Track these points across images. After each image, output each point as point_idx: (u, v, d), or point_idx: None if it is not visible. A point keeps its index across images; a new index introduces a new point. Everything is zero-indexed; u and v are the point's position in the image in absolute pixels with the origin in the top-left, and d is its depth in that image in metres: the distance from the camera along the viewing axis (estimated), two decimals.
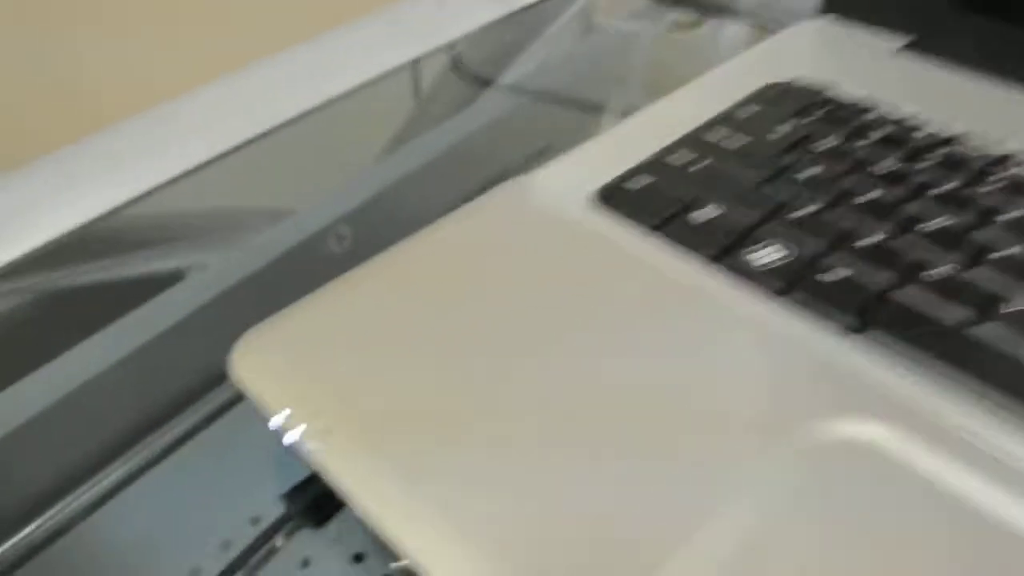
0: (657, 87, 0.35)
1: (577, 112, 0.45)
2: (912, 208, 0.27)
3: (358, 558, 0.27)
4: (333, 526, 0.28)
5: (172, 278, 0.36)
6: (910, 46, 0.37)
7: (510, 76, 0.48)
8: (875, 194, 0.28)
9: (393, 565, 0.23)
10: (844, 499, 0.19)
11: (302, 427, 0.21)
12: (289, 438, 0.21)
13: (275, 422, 0.21)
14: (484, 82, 0.48)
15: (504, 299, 0.24)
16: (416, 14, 0.53)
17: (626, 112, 0.34)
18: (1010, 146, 0.30)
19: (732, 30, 0.51)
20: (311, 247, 0.37)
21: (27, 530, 0.29)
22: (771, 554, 0.18)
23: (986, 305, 0.23)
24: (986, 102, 0.33)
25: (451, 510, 0.19)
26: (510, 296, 0.24)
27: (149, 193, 0.37)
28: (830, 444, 0.20)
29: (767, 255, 0.25)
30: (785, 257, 0.25)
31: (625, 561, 0.18)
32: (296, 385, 0.22)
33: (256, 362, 0.23)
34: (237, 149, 0.42)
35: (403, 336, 0.23)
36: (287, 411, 0.21)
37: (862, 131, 0.31)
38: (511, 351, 0.23)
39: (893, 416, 0.21)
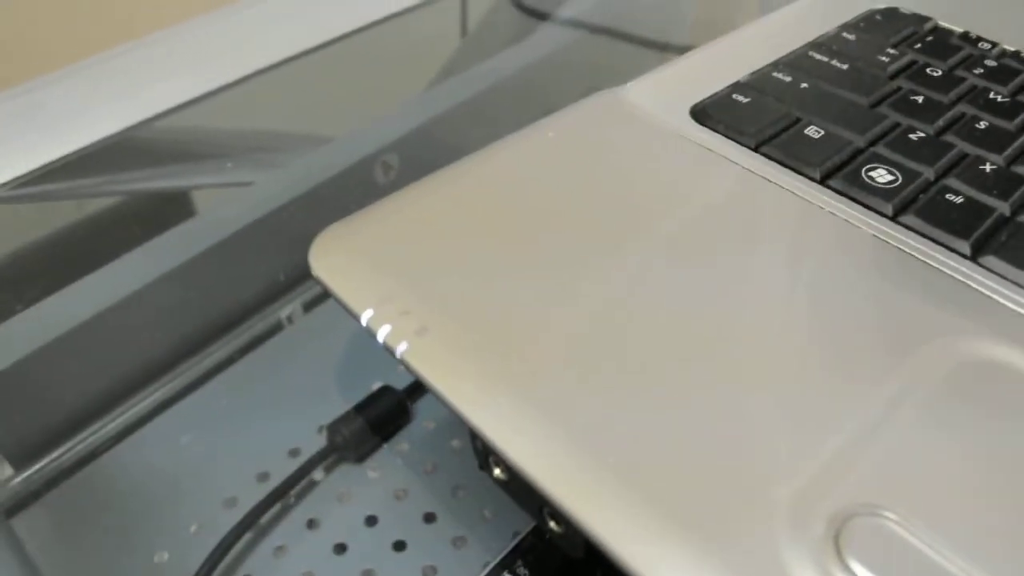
0: (715, 26, 0.33)
1: (632, 49, 0.43)
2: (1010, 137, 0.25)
3: (400, 494, 0.26)
4: (373, 461, 0.27)
5: (212, 195, 0.34)
6: None
7: (568, 9, 0.46)
8: (988, 123, 0.26)
9: (496, 472, 0.21)
10: (979, 419, 0.17)
11: (391, 326, 0.19)
12: (381, 336, 0.19)
13: (365, 319, 0.19)
14: (539, 14, 0.45)
15: (604, 205, 0.22)
16: None
17: (683, 50, 0.32)
18: None
19: None
20: (356, 174, 0.35)
21: (60, 450, 0.27)
22: (909, 469, 0.16)
23: None
24: None
25: (555, 410, 0.17)
26: (610, 202, 0.22)
27: (189, 105, 0.35)
28: (963, 363, 0.18)
29: (877, 177, 0.23)
30: (895, 181, 0.23)
31: (751, 472, 0.16)
32: (383, 283, 0.20)
33: (338, 259, 0.21)
34: (272, 69, 0.39)
35: (495, 237, 0.21)
36: (371, 310, 0.19)
37: (972, 61, 0.29)
38: (615, 254, 0.21)
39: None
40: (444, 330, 0.19)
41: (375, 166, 0.35)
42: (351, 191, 0.34)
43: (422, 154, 0.36)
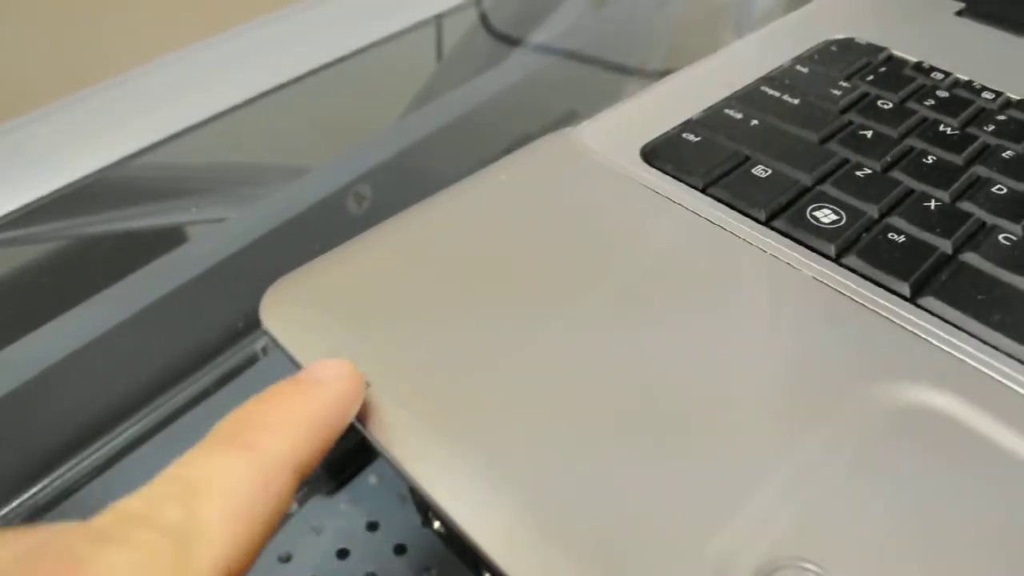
0: (689, 49, 0.34)
1: (606, 74, 0.44)
2: (975, 171, 0.26)
3: (372, 526, 0.26)
4: (346, 494, 0.28)
5: (188, 231, 0.35)
6: (965, 11, 0.35)
7: (539, 36, 0.47)
8: (936, 157, 0.26)
9: (436, 525, 0.21)
10: (907, 468, 0.18)
11: None
12: None
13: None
14: (511, 41, 0.46)
15: (550, 252, 0.23)
16: None
17: (657, 74, 0.33)
18: None
19: None
20: (329, 206, 0.35)
21: (38, 487, 0.28)
22: (837, 518, 0.17)
23: None
24: None
25: (491, 467, 0.17)
26: (556, 249, 0.23)
27: (164, 142, 0.36)
28: (894, 410, 0.19)
29: (822, 217, 0.24)
30: (839, 220, 0.24)
31: (678, 527, 0.16)
32: (330, 336, 0.20)
33: (287, 312, 0.21)
34: (252, 102, 0.40)
35: (444, 287, 0.22)
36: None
37: (924, 92, 0.29)
38: (556, 305, 0.21)
39: (958, 384, 0.19)
40: (386, 384, 0.19)
41: (348, 197, 0.36)
42: (324, 224, 0.35)
43: (396, 184, 0.37)
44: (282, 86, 0.41)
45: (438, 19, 0.46)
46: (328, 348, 0.20)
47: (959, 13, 0.35)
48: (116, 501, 0.15)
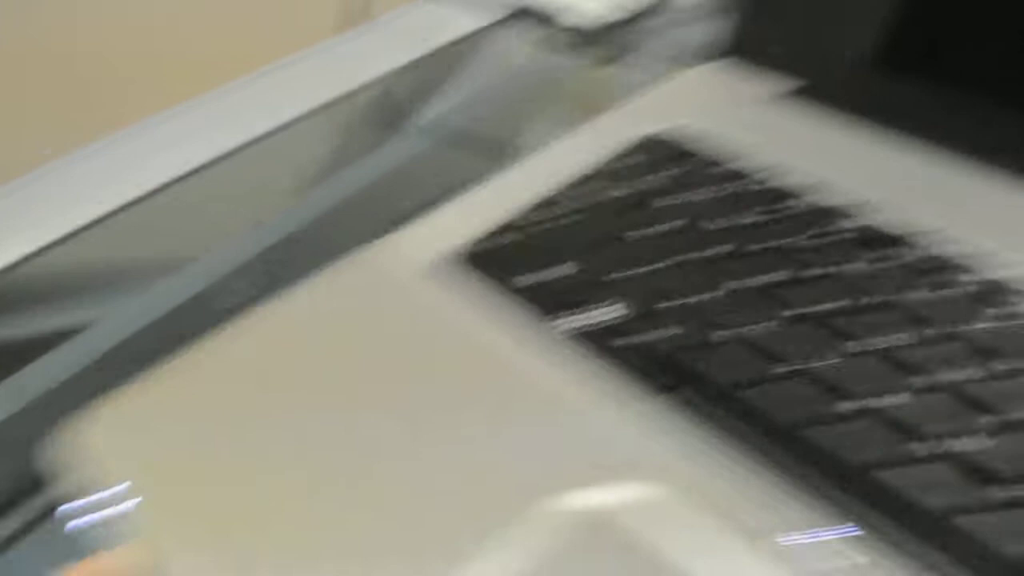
0: (574, 124, 0.35)
1: (489, 153, 0.45)
2: (736, 266, 0.27)
3: None
4: None
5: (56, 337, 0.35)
6: (802, 92, 0.36)
7: (423, 117, 0.48)
8: (706, 253, 0.27)
9: None
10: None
11: (101, 512, 0.21)
12: (72, 526, 0.21)
13: (63, 510, 0.22)
14: (398, 124, 0.48)
15: (338, 373, 0.25)
16: (330, 56, 0.54)
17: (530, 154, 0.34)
18: (862, 200, 0.29)
19: (649, 68, 0.51)
20: (202, 302, 0.37)
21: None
22: None
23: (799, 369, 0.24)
24: (859, 156, 0.32)
25: None
26: (345, 370, 0.25)
27: (45, 249, 0.37)
28: (581, 515, 0.21)
29: (598, 315, 0.26)
30: (608, 317, 0.25)
31: None
32: (120, 467, 0.22)
33: (85, 441, 0.23)
34: (135, 203, 0.42)
35: (240, 416, 0.24)
36: (81, 501, 0.21)
37: (709, 184, 0.31)
38: (313, 436, 0.23)
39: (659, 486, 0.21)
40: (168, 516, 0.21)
41: (219, 295, 0.37)
42: (194, 322, 0.36)
43: (270, 276, 0.38)
44: (173, 183, 0.42)
45: (326, 107, 0.48)
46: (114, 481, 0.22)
47: (792, 96, 0.36)
48: None
